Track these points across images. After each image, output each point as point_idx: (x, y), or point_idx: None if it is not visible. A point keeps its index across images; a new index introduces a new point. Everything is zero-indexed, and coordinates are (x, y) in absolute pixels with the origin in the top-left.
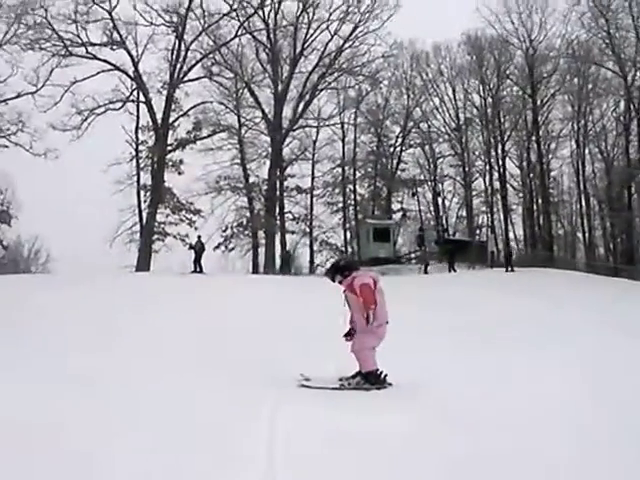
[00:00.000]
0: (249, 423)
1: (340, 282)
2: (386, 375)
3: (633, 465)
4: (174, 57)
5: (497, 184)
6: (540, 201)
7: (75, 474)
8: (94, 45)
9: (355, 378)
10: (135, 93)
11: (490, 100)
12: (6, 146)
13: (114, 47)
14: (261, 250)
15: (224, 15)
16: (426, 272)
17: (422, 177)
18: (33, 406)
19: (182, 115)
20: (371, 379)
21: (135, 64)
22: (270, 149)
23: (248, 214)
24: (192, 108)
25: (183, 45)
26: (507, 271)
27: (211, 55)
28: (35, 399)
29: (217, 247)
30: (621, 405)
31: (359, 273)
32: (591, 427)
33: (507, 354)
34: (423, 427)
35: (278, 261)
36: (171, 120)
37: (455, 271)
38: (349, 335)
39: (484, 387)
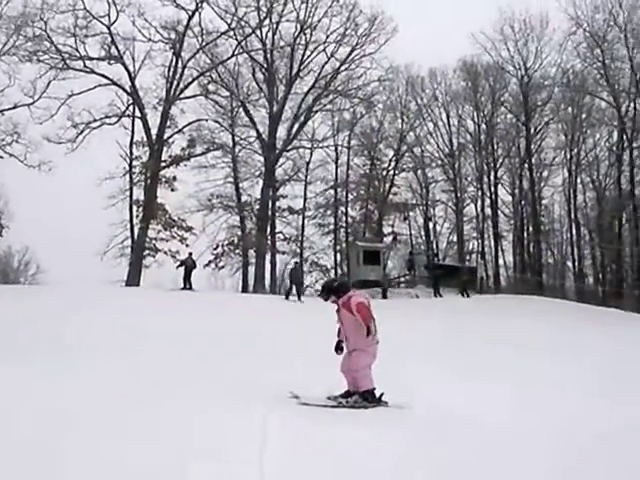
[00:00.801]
0: (243, 432)
1: (334, 302)
2: (382, 394)
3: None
4: (171, 74)
5: (488, 210)
6: (531, 229)
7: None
8: (92, 59)
9: (351, 397)
10: (131, 108)
11: (484, 126)
12: (0, 157)
13: (111, 62)
14: (251, 269)
15: (222, 34)
16: (417, 296)
17: (414, 201)
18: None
19: (177, 132)
20: (369, 398)
21: (132, 79)
22: (263, 169)
23: (239, 233)
24: (187, 125)
25: (180, 62)
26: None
27: (208, 73)
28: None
29: (207, 265)
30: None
31: (355, 292)
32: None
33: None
34: (412, 440)
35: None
36: (166, 136)
37: (441, 296)
38: (339, 349)
39: (477, 407)
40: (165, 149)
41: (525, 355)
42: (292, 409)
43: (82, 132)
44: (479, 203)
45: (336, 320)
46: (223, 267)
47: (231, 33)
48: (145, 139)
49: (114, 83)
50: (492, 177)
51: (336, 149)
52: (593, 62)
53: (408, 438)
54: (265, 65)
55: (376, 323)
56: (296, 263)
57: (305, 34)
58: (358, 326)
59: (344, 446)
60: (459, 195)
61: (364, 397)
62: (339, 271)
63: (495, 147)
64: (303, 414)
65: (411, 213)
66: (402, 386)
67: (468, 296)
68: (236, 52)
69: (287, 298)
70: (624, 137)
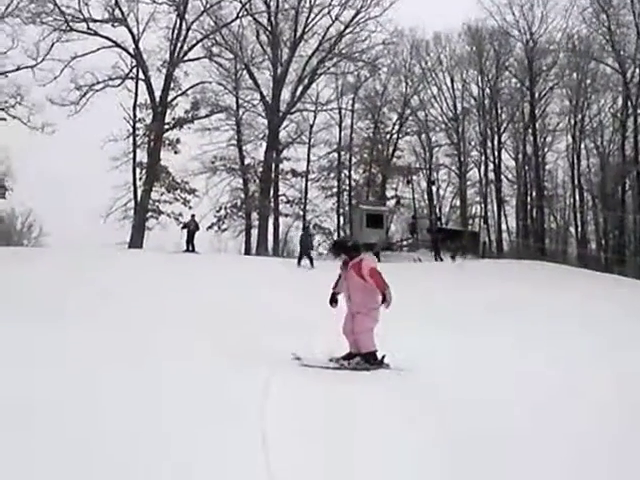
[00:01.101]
0: (246, 389)
1: (345, 261)
2: (384, 356)
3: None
4: (175, 36)
5: (492, 175)
6: (534, 194)
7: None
8: (95, 21)
9: (353, 359)
10: (134, 70)
11: (488, 91)
12: (4, 119)
13: (115, 24)
14: (254, 232)
15: None
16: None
17: (417, 165)
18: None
19: (181, 94)
20: (370, 360)
21: (136, 42)
22: (267, 131)
23: (242, 195)
24: (191, 88)
25: (184, 24)
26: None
27: (212, 35)
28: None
29: (210, 227)
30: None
31: (366, 256)
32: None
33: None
34: (411, 401)
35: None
36: (169, 99)
37: (442, 260)
38: (333, 301)
39: (474, 370)
40: (169, 111)
41: (524, 319)
42: (294, 371)
43: (85, 94)
44: (482, 168)
45: (340, 276)
46: (226, 229)
47: None
48: (149, 101)
49: (118, 45)
50: (496, 142)
51: (340, 112)
52: (599, 27)
53: (408, 399)
54: (269, 28)
55: (391, 290)
56: (306, 228)
57: None
58: (365, 290)
59: (344, 405)
60: (462, 159)
61: (366, 359)
62: (342, 234)
63: (499, 112)
64: (305, 375)
65: (414, 177)
66: (403, 349)
67: (441, 259)
68: (240, 14)
69: (299, 264)
70: (629, 103)
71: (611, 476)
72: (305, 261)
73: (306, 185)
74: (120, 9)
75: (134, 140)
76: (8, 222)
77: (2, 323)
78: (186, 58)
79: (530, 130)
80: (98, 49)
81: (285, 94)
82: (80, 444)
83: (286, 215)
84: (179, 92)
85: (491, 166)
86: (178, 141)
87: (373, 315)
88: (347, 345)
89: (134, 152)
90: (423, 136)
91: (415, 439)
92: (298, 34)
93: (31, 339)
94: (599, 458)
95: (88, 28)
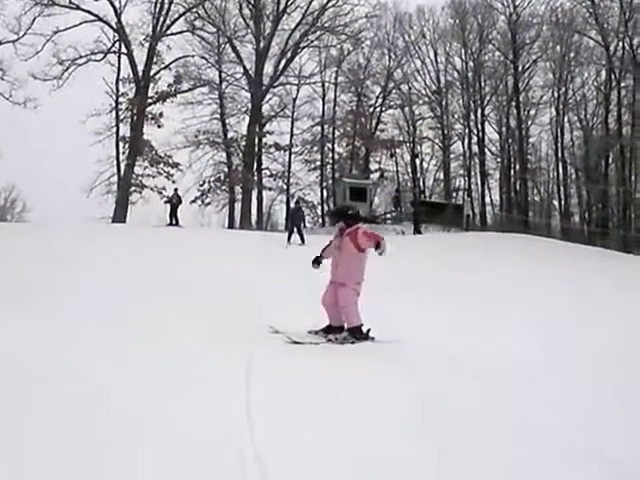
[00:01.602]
0: (228, 366)
1: (341, 229)
2: (369, 330)
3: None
4: (157, 10)
5: (475, 148)
6: (517, 167)
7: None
8: None
9: (336, 332)
10: (117, 45)
11: (471, 64)
12: None
13: None
14: (237, 205)
15: None
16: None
17: (401, 138)
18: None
19: (163, 68)
20: (357, 334)
21: (118, 15)
22: (250, 105)
23: (226, 169)
24: (174, 62)
25: None
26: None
27: (194, 9)
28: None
29: (194, 201)
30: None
31: (363, 226)
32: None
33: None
34: (398, 374)
35: None
36: (152, 73)
37: (420, 233)
38: (316, 262)
39: (460, 340)
40: (151, 86)
41: (506, 293)
42: (277, 346)
43: (68, 69)
44: (466, 141)
45: (330, 242)
46: (209, 204)
47: None
48: (131, 76)
49: (100, 19)
50: (479, 115)
51: (323, 85)
52: (582, 0)
53: (395, 372)
54: (252, 1)
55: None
56: (297, 203)
57: None
58: (355, 261)
59: (329, 378)
60: (446, 132)
61: (352, 333)
62: (325, 207)
63: (482, 85)
64: (289, 351)
65: (398, 150)
66: (387, 321)
67: (420, 233)
68: None
69: (289, 241)
70: (612, 76)
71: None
72: (295, 237)
73: (290, 159)
74: None
75: (117, 114)
76: None
77: None
78: (169, 32)
79: (514, 103)
80: (80, 23)
81: (268, 68)
82: (60, 418)
83: (270, 189)
84: (162, 66)
85: (475, 139)
86: (161, 115)
87: (357, 289)
88: (326, 317)
89: (117, 126)
90: (406, 109)
91: (401, 414)
92: (281, 7)
93: None
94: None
95: (70, 2)
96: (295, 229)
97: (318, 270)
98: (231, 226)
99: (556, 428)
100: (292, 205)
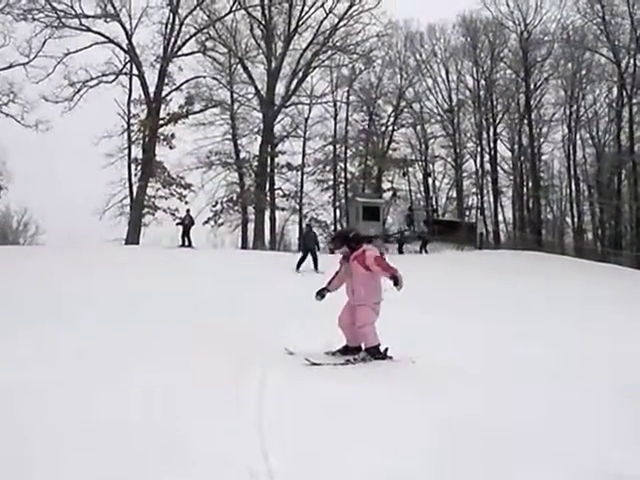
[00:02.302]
0: (242, 384)
1: (345, 253)
2: (387, 349)
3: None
4: (168, 31)
5: (488, 166)
6: (530, 184)
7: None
8: (88, 17)
9: (354, 353)
10: (128, 66)
11: (483, 82)
12: None
13: (108, 19)
14: (250, 226)
15: None
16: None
17: (413, 157)
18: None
19: (175, 89)
20: (375, 353)
21: (129, 37)
22: (262, 125)
23: (238, 189)
24: (185, 82)
25: (177, 19)
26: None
27: (205, 30)
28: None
29: (207, 222)
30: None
31: (369, 247)
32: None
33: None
34: (413, 394)
35: None
36: (164, 94)
37: (427, 252)
38: (321, 296)
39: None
40: (163, 107)
41: (522, 307)
42: (292, 366)
43: (79, 91)
44: (478, 159)
45: (337, 272)
46: (222, 224)
47: None
48: (143, 97)
49: (111, 41)
50: (491, 133)
51: (335, 105)
52: (593, 18)
53: (413, 392)
54: (263, 21)
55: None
56: (308, 226)
57: None
58: (370, 283)
59: (346, 397)
60: (458, 151)
61: (371, 353)
62: (338, 227)
63: (494, 103)
64: (304, 371)
65: (410, 169)
66: (404, 340)
67: (427, 252)
68: (234, 8)
69: (298, 269)
70: (624, 93)
71: None
72: (308, 263)
73: (302, 178)
74: (112, 4)
75: (129, 136)
76: (3, 221)
77: None
78: (180, 53)
79: (526, 121)
80: (91, 45)
81: (280, 88)
82: (74, 436)
83: (282, 209)
84: (173, 87)
85: (487, 157)
86: (173, 136)
87: (376, 309)
88: (344, 338)
89: (129, 148)
90: (418, 128)
91: (416, 435)
92: (292, 27)
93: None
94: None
95: (80, 24)
96: (309, 254)
97: (320, 302)
98: (244, 246)
99: (596, 453)
100: (304, 227)
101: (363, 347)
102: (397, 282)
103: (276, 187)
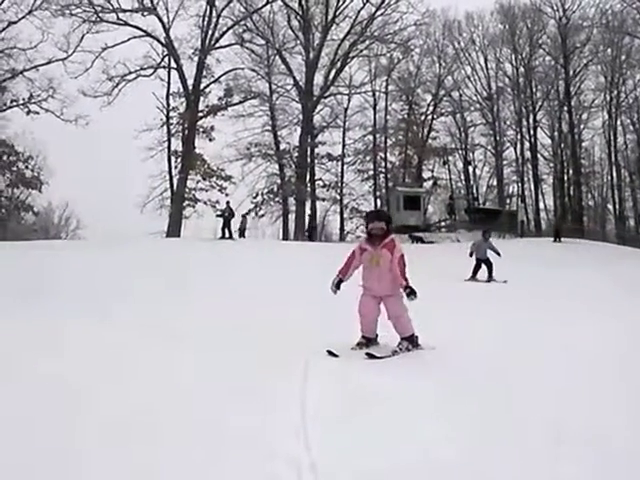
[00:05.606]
0: (284, 377)
1: (381, 236)
2: (417, 337)
3: None
4: (205, 23)
5: (528, 154)
6: (571, 172)
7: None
8: (125, 11)
9: (402, 344)
10: (166, 59)
11: (522, 69)
12: (37, 112)
13: (145, 13)
14: (291, 217)
15: None
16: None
17: (453, 146)
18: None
19: (213, 82)
20: (414, 342)
21: (166, 30)
22: (301, 116)
23: (279, 181)
24: (223, 75)
25: (214, 11)
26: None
27: (242, 22)
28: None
29: (247, 213)
30: None
31: (396, 237)
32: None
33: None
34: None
35: None
36: (202, 86)
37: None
38: (337, 287)
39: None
40: (202, 99)
41: (561, 296)
42: (334, 361)
43: (118, 85)
44: (518, 146)
45: (350, 259)
46: (263, 216)
47: None
48: (181, 90)
49: (148, 35)
50: (531, 120)
51: (374, 95)
52: (632, 2)
53: (449, 382)
54: (300, 12)
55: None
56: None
57: None
58: (395, 271)
59: (389, 394)
60: (498, 139)
61: (411, 341)
62: None
63: (534, 90)
64: (344, 364)
65: (450, 157)
66: (439, 330)
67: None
68: (271, 0)
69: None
70: None
71: None
72: None
73: (342, 169)
74: None
75: (168, 129)
76: (45, 216)
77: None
78: (217, 45)
79: (565, 108)
80: (129, 39)
81: (318, 78)
82: (107, 428)
83: (323, 199)
84: (212, 79)
85: (527, 145)
86: (212, 128)
87: (403, 299)
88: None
89: (169, 141)
90: (458, 116)
91: (459, 421)
92: (329, 18)
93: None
94: None
95: (118, 18)
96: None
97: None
98: (285, 237)
99: None
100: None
101: (400, 336)
102: (412, 292)
103: (316, 178)
